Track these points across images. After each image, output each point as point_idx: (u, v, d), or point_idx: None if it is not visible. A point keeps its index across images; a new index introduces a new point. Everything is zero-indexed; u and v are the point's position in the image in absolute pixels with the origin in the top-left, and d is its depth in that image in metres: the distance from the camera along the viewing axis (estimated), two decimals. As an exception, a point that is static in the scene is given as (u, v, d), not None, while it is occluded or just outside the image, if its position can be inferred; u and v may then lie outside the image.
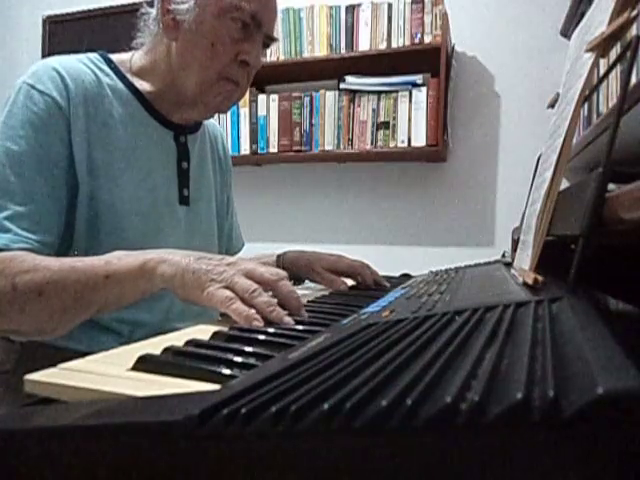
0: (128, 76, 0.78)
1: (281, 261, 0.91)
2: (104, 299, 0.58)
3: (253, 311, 0.48)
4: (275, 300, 0.51)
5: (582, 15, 0.59)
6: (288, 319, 0.48)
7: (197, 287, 0.52)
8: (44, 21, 2.60)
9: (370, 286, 0.82)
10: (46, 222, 0.66)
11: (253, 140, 2.08)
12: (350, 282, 0.86)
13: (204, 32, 0.73)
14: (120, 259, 0.58)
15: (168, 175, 0.81)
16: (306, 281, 0.91)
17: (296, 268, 0.89)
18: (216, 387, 0.27)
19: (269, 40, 0.79)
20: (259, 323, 0.47)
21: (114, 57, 0.79)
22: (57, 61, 0.72)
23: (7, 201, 0.63)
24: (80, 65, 0.73)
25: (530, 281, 0.45)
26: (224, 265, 0.54)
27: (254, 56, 0.76)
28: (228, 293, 0.50)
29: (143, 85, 0.79)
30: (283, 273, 0.56)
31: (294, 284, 0.92)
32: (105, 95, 0.74)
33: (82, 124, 0.70)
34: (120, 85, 0.77)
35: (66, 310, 0.59)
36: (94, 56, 0.77)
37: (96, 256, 0.60)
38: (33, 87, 0.68)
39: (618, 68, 0.93)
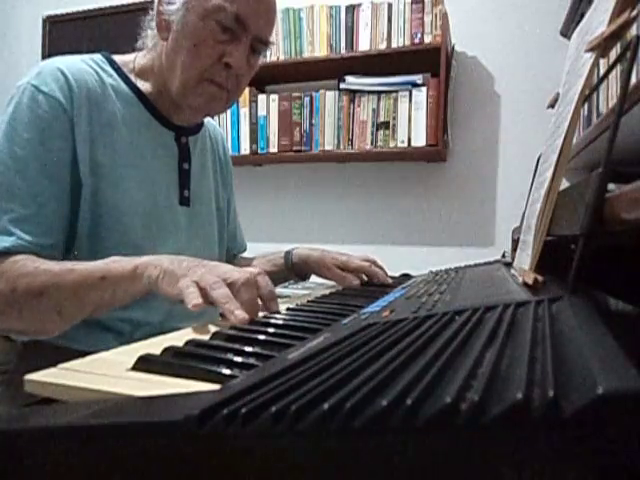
0: (131, 77, 0.78)
1: (290, 257, 0.91)
2: (99, 299, 0.61)
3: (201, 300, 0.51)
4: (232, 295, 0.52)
5: (582, 15, 0.59)
6: (240, 313, 0.49)
7: (172, 283, 0.55)
8: (44, 21, 2.60)
9: (384, 283, 0.83)
10: (50, 225, 0.66)
11: (253, 140, 2.08)
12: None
13: (188, 33, 0.72)
14: (115, 262, 0.61)
15: (169, 176, 0.81)
16: (312, 277, 0.91)
17: (305, 265, 0.89)
18: (216, 387, 0.27)
19: (260, 44, 0.76)
20: (197, 305, 0.50)
21: (117, 58, 0.79)
22: (61, 62, 0.71)
23: (12, 204, 0.63)
24: (84, 66, 0.73)
25: (530, 281, 0.45)
26: (201, 267, 0.57)
27: (238, 59, 0.73)
28: (190, 283, 0.53)
29: (145, 86, 0.79)
30: (253, 273, 0.56)
31: (301, 280, 0.93)
32: (108, 96, 0.74)
33: (85, 125, 0.70)
34: (123, 86, 0.77)
35: (64, 310, 0.62)
36: (97, 57, 0.77)
37: (94, 260, 0.62)
38: (37, 89, 0.67)
39: (618, 68, 0.93)
